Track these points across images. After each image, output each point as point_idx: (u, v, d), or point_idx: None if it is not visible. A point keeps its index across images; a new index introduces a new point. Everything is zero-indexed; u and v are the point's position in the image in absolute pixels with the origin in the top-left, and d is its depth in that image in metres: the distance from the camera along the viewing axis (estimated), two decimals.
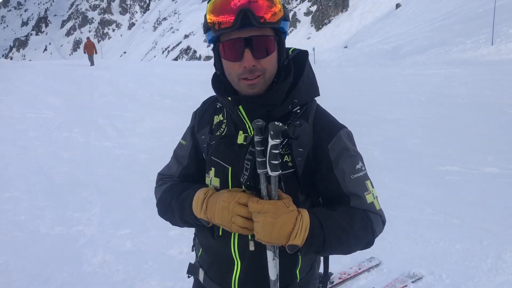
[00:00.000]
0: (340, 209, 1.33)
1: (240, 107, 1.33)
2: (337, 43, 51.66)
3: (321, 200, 1.45)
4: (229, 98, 1.34)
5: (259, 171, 1.24)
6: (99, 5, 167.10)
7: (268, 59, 1.28)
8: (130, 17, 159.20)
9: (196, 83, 15.27)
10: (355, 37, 44.29)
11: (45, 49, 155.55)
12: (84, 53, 24.18)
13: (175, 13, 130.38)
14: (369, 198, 1.35)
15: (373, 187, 1.38)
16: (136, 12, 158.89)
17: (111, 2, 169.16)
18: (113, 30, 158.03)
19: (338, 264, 3.66)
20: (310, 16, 73.23)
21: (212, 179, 1.43)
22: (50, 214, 4.75)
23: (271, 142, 1.19)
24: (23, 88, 14.19)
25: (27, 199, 5.21)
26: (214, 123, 1.49)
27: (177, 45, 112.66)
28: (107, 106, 11.68)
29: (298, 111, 1.36)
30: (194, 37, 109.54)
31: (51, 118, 9.94)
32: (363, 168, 1.37)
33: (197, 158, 1.54)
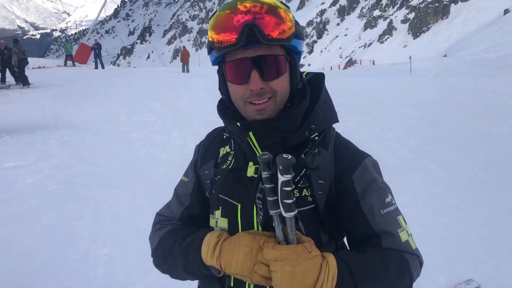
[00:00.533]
0: (371, 251, 1.13)
1: (251, 133, 1.17)
2: (435, 52, 49.30)
3: (346, 241, 1.26)
4: (238, 124, 1.18)
5: (271, 212, 1.06)
6: (198, 15, 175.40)
7: (279, 81, 1.14)
8: None
9: None
10: (456, 45, 41.91)
11: (148, 57, 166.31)
12: (181, 61, 25.79)
13: None
14: (403, 236, 1.15)
15: (406, 223, 1.19)
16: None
17: (209, 13, 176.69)
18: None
19: (431, 282, 3.48)
20: (408, 24, 70.58)
21: (218, 219, 1.26)
22: (149, 212, 5.06)
23: (281, 178, 1.02)
24: (129, 93, 15.31)
25: (129, 197, 5.61)
26: (220, 156, 1.33)
27: None
28: (203, 111, 12.21)
29: (316, 138, 1.20)
30: None
31: (153, 121, 10.61)
32: (393, 202, 1.19)
33: (201, 197, 1.36)
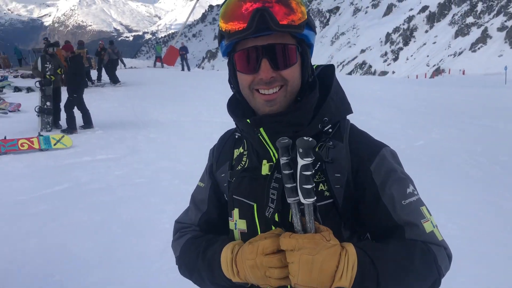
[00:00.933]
0: (394, 242, 1.07)
1: (262, 129, 1.14)
2: None
3: (369, 235, 1.19)
4: (248, 121, 1.15)
5: (289, 200, 1.02)
6: None
7: (290, 70, 1.10)
8: None
9: (367, 98, 15.04)
10: None
11: None
12: None
13: (353, 28, 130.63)
14: (427, 227, 1.09)
15: (430, 214, 1.13)
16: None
17: None
18: None
19: None
20: (505, 32, 66.00)
21: (237, 222, 1.24)
22: None
23: (301, 162, 0.98)
24: (211, 94, 15.83)
25: None
26: (234, 157, 1.30)
27: (353, 59, 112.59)
28: None
29: (330, 130, 1.15)
30: (370, 52, 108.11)
31: (233, 124, 10.87)
32: (416, 193, 1.13)
33: (218, 201, 1.33)
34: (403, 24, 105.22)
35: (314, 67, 1.26)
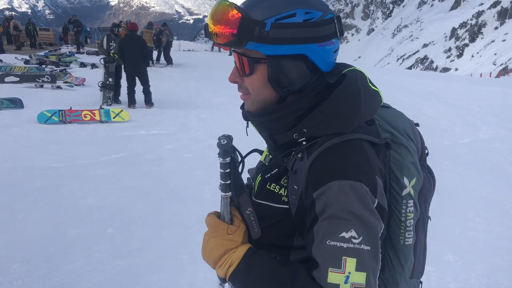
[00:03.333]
0: (294, 268, 1.06)
1: (250, 122, 1.25)
2: None
3: None
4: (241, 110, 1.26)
5: (218, 188, 1.21)
6: (343, 9, 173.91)
7: (250, 80, 1.14)
8: (371, 22, 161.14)
9: (420, 93, 14.84)
10: None
11: None
12: None
13: (417, 21, 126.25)
14: (333, 278, 0.98)
15: (357, 270, 0.98)
16: (378, 18, 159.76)
17: (355, 8, 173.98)
18: (352, 34, 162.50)
19: None
20: None
21: None
22: None
23: (220, 160, 1.14)
24: None
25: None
26: None
27: (414, 53, 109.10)
28: None
29: (304, 142, 1.12)
30: (433, 47, 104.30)
31: None
32: (355, 242, 0.99)
33: None
34: (471, 19, 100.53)
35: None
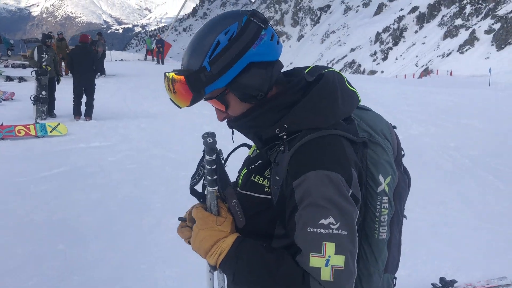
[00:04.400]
0: (281, 253, 1.14)
1: (235, 129, 1.35)
2: None
3: None
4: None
5: (205, 182, 1.27)
6: (273, 17, 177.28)
7: (231, 110, 1.27)
8: (300, 29, 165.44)
9: None
10: None
11: None
12: None
13: (344, 27, 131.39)
14: (314, 262, 1.07)
15: (336, 254, 1.07)
16: (307, 25, 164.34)
17: (284, 15, 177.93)
18: (283, 41, 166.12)
19: (466, 275, 3.75)
20: (492, 35, 67.13)
21: None
22: None
23: (206, 157, 1.21)
24: None
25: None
26: None
27: (342, 58, 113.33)
28: None
29: (285, 136, 1.22)
30: (360, 51, 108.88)
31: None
32: (333, 227, 1.08)
33: None
34: (393, 24, 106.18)
35: (309, 68, 1.37)
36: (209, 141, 1.18)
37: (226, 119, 1.34)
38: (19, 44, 30.87)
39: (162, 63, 26.65)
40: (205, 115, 11.27)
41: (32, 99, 9.97)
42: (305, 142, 1.17)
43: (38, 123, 8.76)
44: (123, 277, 3.71)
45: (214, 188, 1.22)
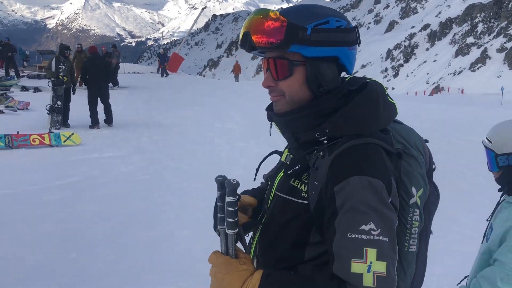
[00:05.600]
0: (308, 275, 1.17)
1: (274, 123, 1.33)
2: None
3: None
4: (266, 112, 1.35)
5: (219, 227, 1.21)
6: None
7: (287, 82, 1.23)
8: None
9: None
10: None
11: (232, 70, 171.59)
12: (231, 73, 30.59)
13: None
14: (356, 267, 1.05)
15: (378, 260, 1.05)
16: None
17: None
18: None
19: None
20: (504, 53, 66.88)
21: None
22: None
23: (227, 199, 1.15)
24: (213, 102, 16.31)
25: (209, 191, 6.23)
26: None
27: (353, 74, 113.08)
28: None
29: (325, 141, 1.21)
30: (371, 68, 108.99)
31: (233, 129, 11.36)
32: (374, 233, 1.07)
33: None
34: (404, 41, 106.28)
35: (347, 78, 1.36)
36: (233, 182, 1.16)
37: (269, 112, 1.34)
38: (34, 55, 31.34)
39: (166, 75, 26.55)
40: (216, 128, 11.34)
41: (48, 108, 10.11)
42: (347, 148, 1.16)
43: (53, 132, 8.87)
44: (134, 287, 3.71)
45: (234, 231, 1.17)
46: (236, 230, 1.18)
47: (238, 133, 10.86)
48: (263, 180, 1.60)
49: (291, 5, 1.45)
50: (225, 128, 11.48)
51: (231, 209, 1.16)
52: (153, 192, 6.16)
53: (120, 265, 4.04)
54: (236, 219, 1.17)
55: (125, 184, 6.49)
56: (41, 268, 3.91)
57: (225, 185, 1.16)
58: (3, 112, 11.89)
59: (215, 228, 1.33)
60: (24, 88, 17.00)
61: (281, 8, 1.32)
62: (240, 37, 1.24)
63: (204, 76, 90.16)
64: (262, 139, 10.00)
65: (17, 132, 8.44)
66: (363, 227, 1.07)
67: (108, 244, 4.46)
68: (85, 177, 6.69)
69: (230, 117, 13.18)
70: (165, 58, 27.56)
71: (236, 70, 34.29)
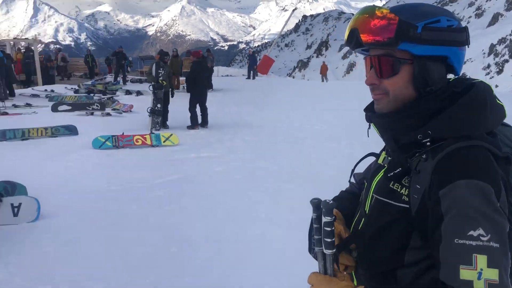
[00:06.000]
0: (411, 285, 1.16)
1: (373, 124, 1.31)
2: None
3: None
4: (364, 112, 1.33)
5: (316, 249, 1.23)
6: None
7: (392, 80, 1.21)
8: None
9: None
10: None
11: (320, 71, 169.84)
12: (320, 73, 33.81)
13: None
14: (465, 274, 1.00)
15: (489, 267, 1.00)
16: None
17: None
18: None
19: None
20: None
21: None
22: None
23: (323, 219, 1.17)
24: (303, 102, 16.34)
25: (300, 192, 6.24)
26: None
27: None
28: None
29: (428, 143, 1.17)
30: (471, 64, 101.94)
31: (324, 130, 11.30)
32: (483, 239, 1.02)
33: None
34: (511, 35, 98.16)
35: (451, 80, 1.28)
36: (330, 203, 1.17)
37: (369, 112, 1.32)
38: (136, 61, 33.60)
39: (253, 77, 26.74)
40: (306, 129, 11.37)
41: (149, 111, 10.83)
42: (452, 150, 1.13)
43: (153, 133, 9.49)
44: (229, 283, 3.86)
45: (332, 251, 1.20)
46: (334, 250, 1.19)
47: (329, 133, 10.79)
48: (350, 181, 1.61)
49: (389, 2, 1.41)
50: (315, 129, 11.47)
51: (329, 229, 1.17)
52: (247, 191, 6.35)
53: (216, 261, 4.23)
54: (333, 239, 1.18)
55: (221, 183, 6.75)
56: (146, 259, 4.23)
57: (321, 206, 1.18)
58: (110, 115, 12.97)
59: (311, 251, 1.36)
60: (128, 92, 18.37)
61: (386, 5, 1.29)
62: (346, 34, 1.23)
63: (293, 77, 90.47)
64: (354, 140, 9.84)
65: (122, 133, 9.16)
66: (472, 232, 1.02)
67: (205, 239, 4.69)
68: (184, 175, 7.08)
69: (321, 117, 13.14)
70: (255, 59, 27.91)
71: (323, 70, 34.60)
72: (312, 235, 1.27)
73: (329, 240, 1.18)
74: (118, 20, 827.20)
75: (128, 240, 4.67)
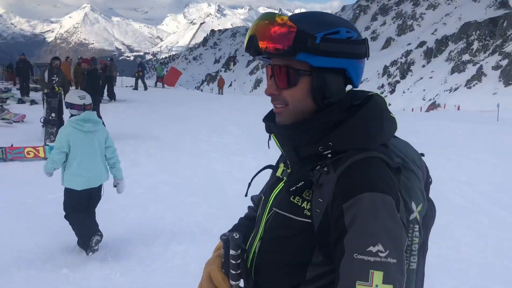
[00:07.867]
0: None
1: (273, 135, 1.26)
2: None
3: None
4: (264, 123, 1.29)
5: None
6: None
7: (291, 91, 1.17)
8: None
9: None
10: None
11: (230, 85, 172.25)
12: (218, 86, 35.83)
13: None
14: None
15: (384, 283, 1.00)
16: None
17: None
18: None
19: None
20: (499, 71, 67.48)
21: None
22: (221, 220, 5.58)
23: (231, 251, 1.20)
24: (211, 116, 16.29)
25: (205, 206, 6.18)
26: None
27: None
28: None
29: (329, 156, 1.15)
30: (368, 84, 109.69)
31: (230, 143, 11.31)
32: (381, 255, 1.02)
33: None
34: (401, 58, 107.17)
35: (349, 91, 1.28)
36: (236, 237, 1.19)
37: (269, 123, 1.28)
38: (32, 68, 31.28)
39: (145, 88, 25.29)
40: (213, 142, 11.30)
41: (42, 121, 10.04)
42: (352, 163, 1.11)
43: (48, 145, 8.80)
44: None
45: (237, 283, 1.23)
46: (239, 282, 1.23)
47: (235, 147, 10.81)
48: (250, 204, 1.56)
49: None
50: (222, 142, 11.43)
51: (234, 262, 1.20)
52: (149, 206, 6.09)
53: (112, 282, 3.95)
54: (239, 271, 1.22)
55: (120, 198, 6.37)
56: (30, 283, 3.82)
57: (229, 238, 1.21)
58: None
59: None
60: (21, 101, 16.97)
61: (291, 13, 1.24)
62: (246, 40, 1.18)
63: (202, 91, 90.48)
64: (260, 153, 9.95)
65: (11, 145, 8.37)
66: (371, 248, 1.02)
67: (102, 258, 4.37)
68: None
69: (227, 131, 13.16)
70: (144, 68, 26.92)
71: (220, 83, 36.87)
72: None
73: (234, 272, 1.21)
74: (12, 24, 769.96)
75: (12, 259, 4.20)
